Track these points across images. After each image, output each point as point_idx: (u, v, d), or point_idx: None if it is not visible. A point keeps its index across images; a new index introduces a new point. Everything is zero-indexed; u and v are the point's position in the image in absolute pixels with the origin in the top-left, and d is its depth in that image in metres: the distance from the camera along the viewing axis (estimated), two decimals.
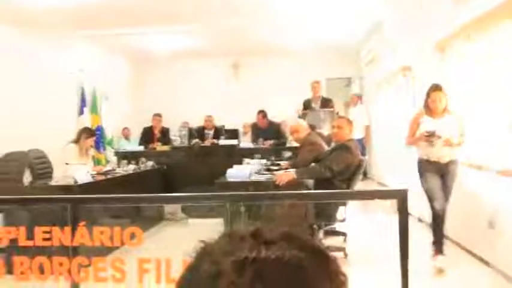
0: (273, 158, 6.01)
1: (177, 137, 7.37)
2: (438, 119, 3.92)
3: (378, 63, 8.27)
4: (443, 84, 3.99)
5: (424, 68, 5.59)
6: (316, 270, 0.53)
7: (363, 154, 6.69)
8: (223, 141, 7.17)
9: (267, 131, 7.38)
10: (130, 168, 5.89)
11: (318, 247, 0.56)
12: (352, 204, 4.62)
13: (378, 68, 8.32)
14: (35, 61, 6.90)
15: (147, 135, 7.59)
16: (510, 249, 3.48)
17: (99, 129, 8.26)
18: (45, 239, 2.19)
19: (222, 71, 10.34)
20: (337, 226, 4.56)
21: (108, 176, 5.34)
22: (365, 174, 8.27)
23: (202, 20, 6.76)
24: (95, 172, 5.34)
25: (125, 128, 9.17)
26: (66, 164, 5.28)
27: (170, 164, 6.71)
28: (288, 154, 6.35)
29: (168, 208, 6.20)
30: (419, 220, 5.32)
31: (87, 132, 5.59)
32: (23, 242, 2.19)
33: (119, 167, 6.10)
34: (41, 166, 5.61)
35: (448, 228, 3.99)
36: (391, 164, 7.44)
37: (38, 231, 2.19)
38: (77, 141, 5.43)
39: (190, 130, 7.58)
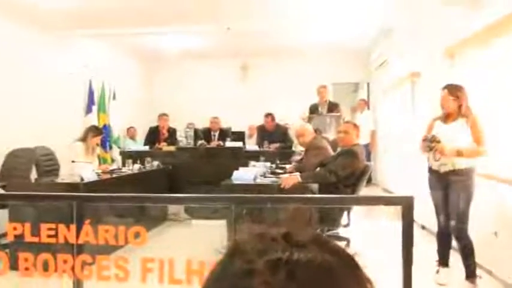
0: (278, 161, 6.01)
1: (183, 138, 7.39)
2: (449, 123, 3.55)
3: (387, 68, 8.25)
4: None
5: (433, 75, 5.57)
6: (345, 275, 0.54)
7: (368, 160, 6.69)
8: (229, 143, 7.18)
9: (274, 134, 7.38)
10: (136, 167, 5.91)
11: (348, 253, 0.58)
12: (356, 209, 4.61)
13: (387, 73, 8.30)
14: (43, 59, 6.95)
15: (153, 135, 7.61)
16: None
17: (106, 127, 8.30)
18: (50, 236, 2.21)
19: (230, 72, 10.35)
20: (341, 231, 4.55)
21: (114, 175, 5.36)
22: (370, 180, 8.26)
23: (211, 21, 6.78)
24: (100, 171, 5.37)
25: (131, 127, 9.19)
26: (73, 161, 5.31)
27: (175, 164, 6.72)
28: (294, 157, 6.34)
29: (172, 208, 6.21)
30: (423, 227, 5.29)
31: (94, 130, 5.62)
32: (28, 238, 2.20)
33: (124, 166, 6.13)
34: (47, 163, 5.65)
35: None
36: (396, 170, 7.42)
37: (43, 228, 2.21)
38: (83, 139, 5.46)
39: (196, 131, 7.60)
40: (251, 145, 7.47)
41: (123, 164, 6.31)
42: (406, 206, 2.07)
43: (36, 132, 6.16)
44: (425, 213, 4.39)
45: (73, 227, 2.20)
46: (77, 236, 2.18)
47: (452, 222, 3.52)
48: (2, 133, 5.69)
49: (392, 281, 2.13)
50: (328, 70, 9.55)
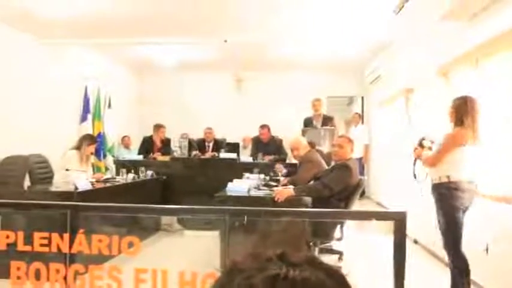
0: (271, 174, 6.02)
1: (177, 148, 7.39)
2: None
3: (381, 83, 8.33)
4: (443, 107, 3.77)
5: (426, 91, 5.63)
6: None
7: (362, 173, 6.73)
8: (223, 154, 7.19)
9: (268, 146, 7.40)
10: (130, 177, 5.90)
11: (341, 273, 0.60)
12: (349, 223, 4.63)
13: (381, 88, 8.38)
14: (39, 67, 6.95)
15: (147, 145, 7.61)
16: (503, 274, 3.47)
17: (101, 136, 8.28)
18: (43, 245, 2.20)
19: (225, 83, 10.39)
20: (334, 244, 4.56)
21: (108, 184, 5.34)
22: (363, 193, 8.28)
23: (210, 33, 6.83)
24: (94, 179, 5.35)
25: (125, 137, 9.18)
26: (67, 169, 5.29)
27: (169, 174, 6.72)
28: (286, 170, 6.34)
29: (165, 219, 6.20)
30: (415, 242, 5.31)
31: (88, 139, 5.61)
32: (21, 247, 2.19)
33: (118, 175, 6.11)
34: (41, 171, 5.63)
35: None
36: (390, 184, 7.45)
37: (37, 236, 2.20)
38: (78, 147, 5.45)
39: (190, 141, 7.60)
40: (245, 156, 7.48)
41: (117, 173, 6.30)
42: (399, 221, 2.09)
43: (31, 139, 6.14)
44: (418, 227, 4.41)
45: (66, 236, 2.19)
46: (70, 246, 2.18)
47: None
48: None
49: None
50: (322, 83, 9.63)
